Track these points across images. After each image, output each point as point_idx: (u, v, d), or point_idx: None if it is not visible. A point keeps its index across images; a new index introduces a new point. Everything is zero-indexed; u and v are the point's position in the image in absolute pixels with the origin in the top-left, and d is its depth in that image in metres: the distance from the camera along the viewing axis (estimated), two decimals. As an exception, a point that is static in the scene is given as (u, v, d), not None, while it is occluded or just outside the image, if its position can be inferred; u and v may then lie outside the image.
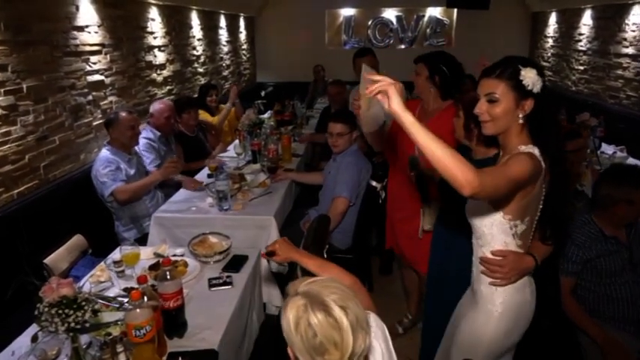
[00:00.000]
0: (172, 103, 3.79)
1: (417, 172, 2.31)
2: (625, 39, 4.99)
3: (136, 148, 3.31)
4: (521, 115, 1.46)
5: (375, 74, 1.36)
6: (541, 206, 1.55)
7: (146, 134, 3.54)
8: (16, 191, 2.59)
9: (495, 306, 1.59)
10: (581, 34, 6.03)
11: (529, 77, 1.42)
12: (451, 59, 2.54)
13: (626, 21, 4.96)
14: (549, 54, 7.04)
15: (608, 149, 4.08)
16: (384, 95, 1.30)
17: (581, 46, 6.01)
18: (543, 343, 2.14)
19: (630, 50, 4.89)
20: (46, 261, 2.38)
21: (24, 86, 2.63)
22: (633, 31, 4.85)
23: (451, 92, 2.52)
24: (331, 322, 0.97)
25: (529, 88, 1.42)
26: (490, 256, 1.58)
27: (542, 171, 1.46)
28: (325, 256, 2.05)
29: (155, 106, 3.63)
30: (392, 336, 1.26)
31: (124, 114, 3.05)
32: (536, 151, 1.45)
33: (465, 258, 1.74)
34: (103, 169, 2.91)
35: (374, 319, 1.21)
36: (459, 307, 1.80)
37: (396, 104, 1.29)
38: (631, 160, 3.80)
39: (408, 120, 1.28)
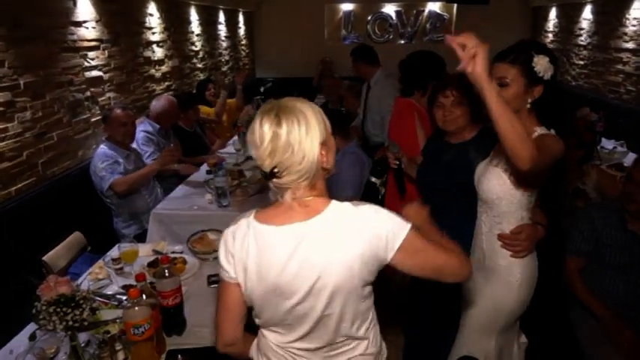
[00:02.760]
0: (176, 100, 3.80)
1: (399, 160, 2.29)
2: (625, 33, 4.96)
3: (135, 143, 3.30)
4: (529, 100, 1.51)
5: (462, 37, 1.23)
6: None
7: (144, 127, 3.53)
8: (13, 188, 2.58)
9: (515, 277, 1.68)
10: (581, 29, 6.01)
11: (541, 64, 1.47)
12: (418, 57, 2.73)
13: (627, 15, 4.94)
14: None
15: (608, 144, 4.07)
16: (470, 58, 1.22)
17: (582, 40, 5.98)
18: (543, 339, 2.14)
19: (630, 45, 4.87)
20: (44, 258, 2.38)
21: (21, 82, 2.61)
22: (634, 25, 4.83)
23: (409, 90, 2.74)
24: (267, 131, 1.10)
25: (540, 75, 1.47)
26: (508, 232, 1.67)
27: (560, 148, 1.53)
28: None
29: (160, 103, 3.66)
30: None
31: (117, 111, 3.05)
32: (553, 132, 1.52)
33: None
34: (101, 164, 2.91)
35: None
36: (469, 286, 1.82)
37: (480, 68, 1.22)
38: (631, 155, 3.78)
39: (490, 87, 1.25)
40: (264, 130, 1.10)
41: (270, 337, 1.28)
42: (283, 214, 1.17)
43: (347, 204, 1.17)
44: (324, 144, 1.14)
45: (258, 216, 1.20)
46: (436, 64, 2.72)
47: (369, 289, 1.23)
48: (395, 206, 2.95)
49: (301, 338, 1.23)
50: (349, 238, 1.12)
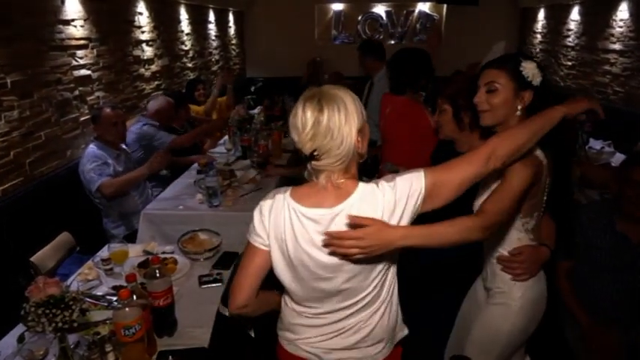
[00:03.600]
0: (172, 100, 3.80)
1: None
2: (612, 35, 5.02)
3: (130, 138, 3.31)
4: (519, 107, 1.48)
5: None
6: (545, 197, 1.58)
7: (139, 127, 3.54)
8: (0, 188, 2.54)
9: (515, 300, 1.61)
10: (569, 30, 6.07)
11: (529, 69, 1.45)
12: (410, 53, 2.75)
13: (614, 17, 5.00)
14: (538, 50, 7.07)
15: (595, 144, 4.11)
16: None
17: (570, 41, 6.04)
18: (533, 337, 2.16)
19: (617, 46, 4.93)
20: (32, 259, 2.34)
21: (8, 81, 2.57)
22: (620, 27, 4.89)
23: (400, 87, 2.75)
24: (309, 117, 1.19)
25: (528, 79, 1.46)
26: (506, 254, 1.61)
27: (544, 168, 1.49)
28: None
29: (158, 101, 3.71)
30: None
31: (107, 110, 3.02)
32: (536, 151, 1.47)
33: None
34: (90, 165, 2.87)
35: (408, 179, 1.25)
36: (466, 309, 1.80)
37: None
38: (618, 156, 3.83)
39: (412, 242, 1.23)
40: (307, 115, 1.19)
41: (292, 305, 1.39)
42: (316, 194, 1.26)
43: (371, 184, 1.26)
44: (360, 131, 1.22)
45: (293, 194, 1.29)
46: (425, 60, 2.73)
47: (392, 258, 1.32)
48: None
49: (324, 311, 1.34)
50: (376, 215, 1.21)
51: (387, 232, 1.18)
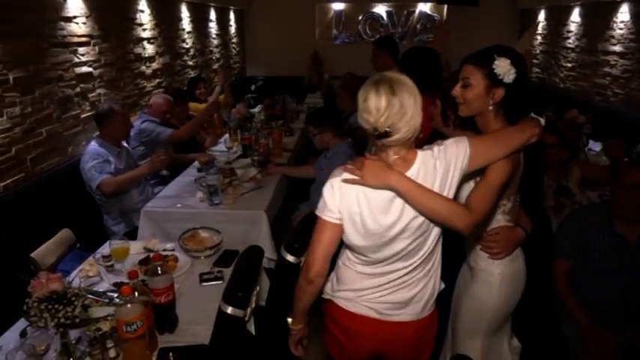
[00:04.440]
0: (172, 99, 3.79)
1: None
2: (613, 37, 5.04)
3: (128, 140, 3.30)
4: (491, 102, 1.55)
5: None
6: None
7: (140, 122, 3.55)
8: (2, 184, 2.55)
9: (494, 277, 1.72)
10: (569, 32, 6.08)
11: (501, 67, 1.51)
12: (421, 53, 2.82)
13: (614, 19, 5.01)
14: (538, 51, 7.09)
15: (595, 146, 4.12)
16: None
17: (570, 43, 6.05)
18: (530, 334, 2.17)
19: (618, 48, 4.94)
20: (33, 255, 2.35)
21: (10, 77, 2.58)
22: (621, 29, 4.90)
23: (424, 84, 2.69)
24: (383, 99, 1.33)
25: (500, 77, 1.51)
26: (485, 234, 1.71)
27: (520, 156, 1.59)
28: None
29: (159, 99, 3.70)
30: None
31: (119, 108, 3.03)
32: None
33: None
34: (91, 162, 2.87)
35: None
36: (458, 286, 1.88)
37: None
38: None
39: (404, 187, 1.37)
40: (382, 98, 1.34)
41: (356, 267, 1.54)
42: None
43: (428, 151, 1.43)
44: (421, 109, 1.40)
45: None
46: (435, 60, 2.73)
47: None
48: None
49: (387, 270, 1.50)
50: (434, 178, 1.40)
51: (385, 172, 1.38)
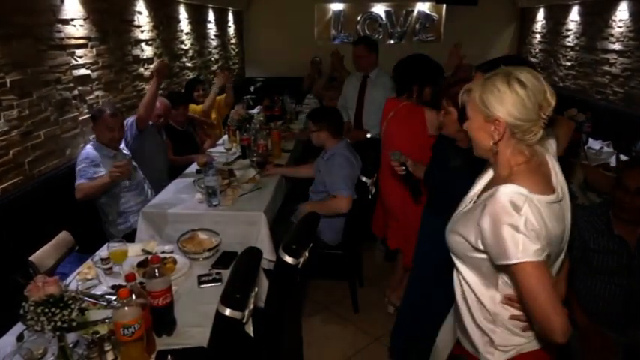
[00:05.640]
0: (169, 102, 3.77)
1: (405, 166, 2.31)
2: (612, 35, 5.03)
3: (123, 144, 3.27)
4: None
5: None
6: None
7: (132, 121, 3.52)
8: (0, 187, 2.55)
9: None
10: (568, 30, 6.08)
11: None
12: (408, 60, 2.91)
13: (613, 17, 5.01)
14: (537, 50, 7.08)
15: (594, 145, 4.12)
16: None
17: (569, 42, 6.05)
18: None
19: (617, 46, 4.93)
20: (31, 258, 2.34)
21: (7, 80, 2.57)
22: (620, 27, 4.89)
23: (403, 89, 2.90)
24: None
25: None
26: None
27: None
28: (307, 254, 2.03)
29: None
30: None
31: (107, 113, 2.98)
32: None
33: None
34: (80, 165, 2.89)
35: None
36: None
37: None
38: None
39: None
40: (542, 81, 1.27)
41: None
42: (536, 172, 1.30)
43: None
44: None
45: (530, 188, 1.22)
46: (429, 66, 2.80)
47: None
48: (386, 206, 3.05)
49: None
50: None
51: None
